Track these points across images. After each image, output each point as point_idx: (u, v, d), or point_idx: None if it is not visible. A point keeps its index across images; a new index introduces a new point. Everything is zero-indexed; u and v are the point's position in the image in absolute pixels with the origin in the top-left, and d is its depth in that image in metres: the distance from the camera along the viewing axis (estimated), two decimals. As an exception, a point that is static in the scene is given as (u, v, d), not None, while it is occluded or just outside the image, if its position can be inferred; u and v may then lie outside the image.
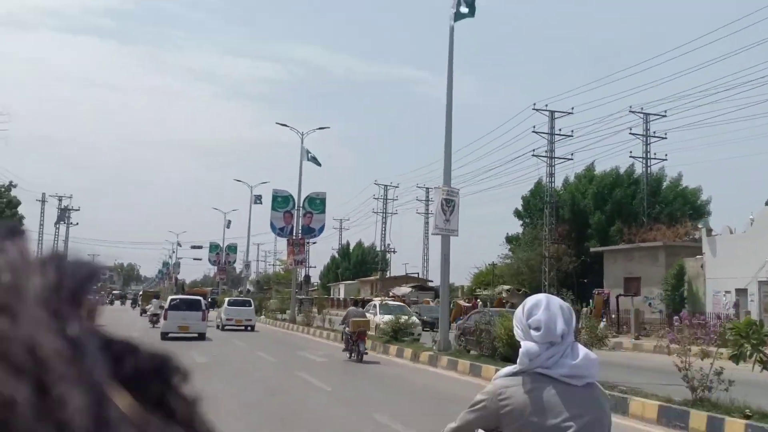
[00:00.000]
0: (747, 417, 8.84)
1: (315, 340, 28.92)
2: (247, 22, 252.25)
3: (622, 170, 44.87)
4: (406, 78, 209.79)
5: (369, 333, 20.47)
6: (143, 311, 46.63)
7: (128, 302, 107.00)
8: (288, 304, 42.25)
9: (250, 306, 34.76)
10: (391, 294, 64.37)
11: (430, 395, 12.70)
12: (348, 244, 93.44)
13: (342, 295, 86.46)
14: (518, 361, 2.39)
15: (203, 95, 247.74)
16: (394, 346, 21.53)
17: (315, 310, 37.72)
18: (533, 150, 41.66)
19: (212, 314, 33.67)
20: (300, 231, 38.69)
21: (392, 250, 73.52)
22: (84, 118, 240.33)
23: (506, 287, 51.46)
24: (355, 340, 18.87)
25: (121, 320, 33.08)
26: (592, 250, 38.59)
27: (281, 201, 38.71)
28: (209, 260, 79.61)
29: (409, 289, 62.53)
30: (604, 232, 41.33)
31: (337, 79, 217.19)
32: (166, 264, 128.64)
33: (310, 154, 37.63)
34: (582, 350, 2.41)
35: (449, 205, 19.13)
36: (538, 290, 40.95)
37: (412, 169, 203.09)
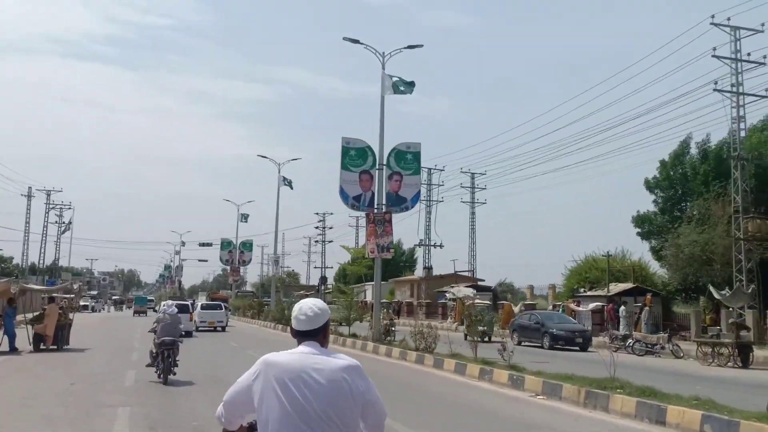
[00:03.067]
0: None
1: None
2: (237, 45, 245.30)
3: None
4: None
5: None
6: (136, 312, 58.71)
7: (124, 307, 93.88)
8: (357, 313, 26.99)
9: (221, 309, 35.88)
10: (449, 295, 49.16)
11: None
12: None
13: (368, 298, 70.82)
14: None
15: (200, 115, 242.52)
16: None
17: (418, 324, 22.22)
18: (715, 81, 26.35)
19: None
20: (384, 201, 23.37)
21: (438, 245, 57.69)
22: (87, 138, 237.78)
23: (623, 285, 36.29)
24: None
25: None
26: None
27: (355, 156, 23.36)
28: (221, 259, 63.97)
29: (471, 291, 47.25)
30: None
31: (323, 98, 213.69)
32: (167, 267, 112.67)
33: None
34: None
35: None
36: (728, 284, 26.00)
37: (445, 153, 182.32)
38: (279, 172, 43.54)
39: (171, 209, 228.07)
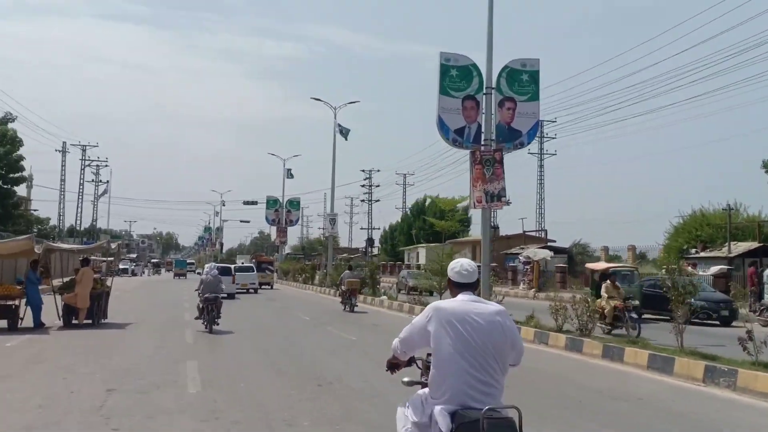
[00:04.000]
0: None
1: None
2: (271, 3, 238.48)
3: None
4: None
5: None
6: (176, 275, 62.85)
7: (162, 270, 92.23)
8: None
9: (254, 272, 37.83)
10: (523, 258, 44.25)
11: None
12: (424, 198, 72.94)
13: (423, 261, 66.14)
14: None
15: (234, 74, 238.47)
16: None
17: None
18: None
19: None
20: (494, 134, 18.37)
21: (507, 202, 52.21)
22: (121, 98, 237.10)
23: (745, 244, 30.96)
24: (348, 296, 23.81)
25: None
26: None
27: (458, 77, 18.27)
28: (267, 219, 59.66)
29: (548, 252, 42.26)
30: None
31: (356, 55, 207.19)
32: (207, 229, 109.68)
33: None
34: None
35: None
36: None
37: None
38: (335, 117, 38.66)
39: (210, 169, 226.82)
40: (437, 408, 3.33)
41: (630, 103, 79.21)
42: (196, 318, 16.19)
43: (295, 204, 59.21)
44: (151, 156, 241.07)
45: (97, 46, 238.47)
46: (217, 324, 15.71)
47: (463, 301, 3.51)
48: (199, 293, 16.23)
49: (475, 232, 70.17)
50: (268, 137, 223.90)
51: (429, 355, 3.64)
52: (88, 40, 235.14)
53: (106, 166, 75.88)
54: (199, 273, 29.95)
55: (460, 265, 3.66)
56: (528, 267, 43.20)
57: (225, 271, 30.14)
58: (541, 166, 54.59)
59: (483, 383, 3.34)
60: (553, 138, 53.64)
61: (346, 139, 37.73)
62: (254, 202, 61.49)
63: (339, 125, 38.30)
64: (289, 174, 57.99)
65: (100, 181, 76.76)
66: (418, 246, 67.81)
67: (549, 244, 50.21)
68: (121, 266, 77.63)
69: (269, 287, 43.22)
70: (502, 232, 54.73)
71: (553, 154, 53.95)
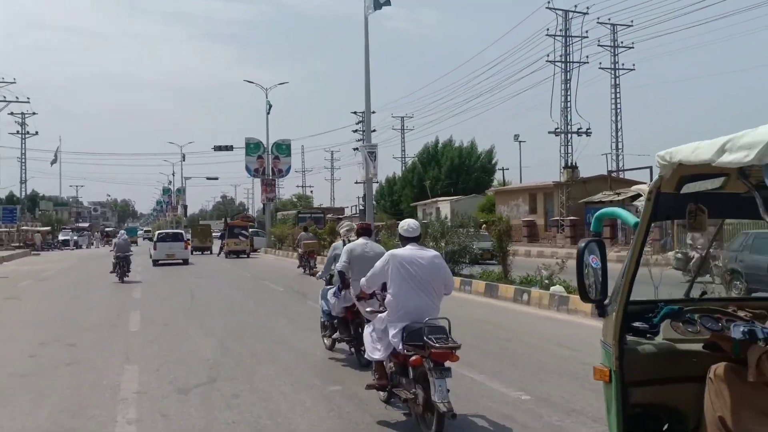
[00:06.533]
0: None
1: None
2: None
3: None
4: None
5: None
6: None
7: (113, 240, 78.01)
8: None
9: (180, 240, 31.90)
10: (639, 204, 30.54)
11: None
12: (437, 141, 58.50)
13: (446, 214, 51.95)
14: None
15: (182, 38, 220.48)
16: None
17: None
18: None
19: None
20: None
21: (585, 131, 38.06)
22: (67, 64, 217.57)
23: None
24: (306, 258, 22.82)
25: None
26: None
27: None
28: (248, 170, 44.54)
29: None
30: None
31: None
32: (166, 191, 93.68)
33: None
34: None
35: None
36: None
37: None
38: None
39: (165, 133, 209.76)
40: (391, 323, 5.12)
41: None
42: (111, 272, 19.93)
43: (284, 148, 44.19)
44: (101, 124, 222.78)
45: (39, 13, 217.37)
46: (128, 276, 19.89)
47: (410, 249, 5.35)
48: (113, 253, 20.20)
49: (513, 177, 56.50)
50: (226, 100, 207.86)
51: (383, 290, 5.52)
52: (28, 6, 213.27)
53: (34, 114, 59.68)
54: (151, 239, 31.95)
55: (408, 224, 5.51)
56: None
57: (178, 237, 31.55)
58: (616, 84, 40.65)
59: (425, 305, 5.12)
60: (630, 48, 39.61)
61: (380, 8, 22.22)
62: (229, 147, 45.81)
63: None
64: (269, 108, 43.08)
65: (27, 132, 60.50)
66: (437, 200, 53.67)
67: (640, 185, 36.62)
68: (61, 237, 61.91)
69: (245, 255, 35.74)
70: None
71: (631, 69, 40.00)
